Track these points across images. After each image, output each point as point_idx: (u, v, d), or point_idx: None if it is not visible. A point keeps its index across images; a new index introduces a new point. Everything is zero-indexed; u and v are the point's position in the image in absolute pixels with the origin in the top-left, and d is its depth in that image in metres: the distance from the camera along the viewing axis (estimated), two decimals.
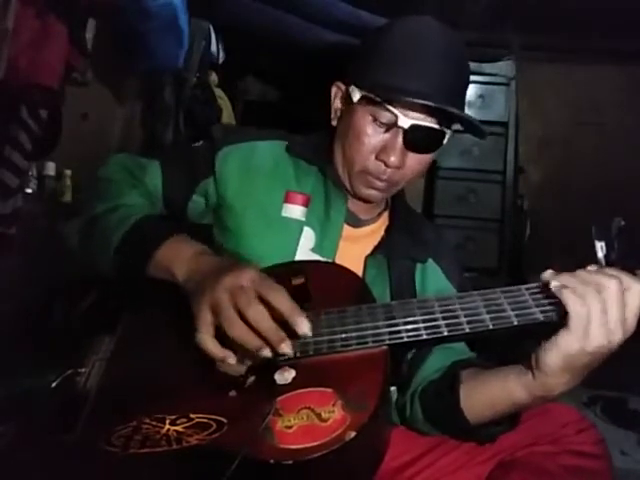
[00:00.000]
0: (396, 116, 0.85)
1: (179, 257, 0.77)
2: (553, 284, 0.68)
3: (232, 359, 0.68)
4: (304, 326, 0.66)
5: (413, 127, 0.85)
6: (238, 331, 0.66)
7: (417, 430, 0.91)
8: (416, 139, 0.87)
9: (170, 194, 0.96)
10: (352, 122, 0.90)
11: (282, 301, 0.67)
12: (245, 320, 0.66)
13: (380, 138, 0.88)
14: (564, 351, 0.66)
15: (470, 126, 0.90)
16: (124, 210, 0.86)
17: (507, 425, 0.80)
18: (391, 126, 0.87)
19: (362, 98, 0.88)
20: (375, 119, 0.87)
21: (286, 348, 0.66)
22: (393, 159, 0.87)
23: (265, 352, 0.66)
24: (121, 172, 0.95)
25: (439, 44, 0.87)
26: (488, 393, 0.78)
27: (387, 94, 0.85)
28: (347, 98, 0.92)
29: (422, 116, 0.86)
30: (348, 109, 0.92)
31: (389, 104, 0.85)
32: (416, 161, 0.91)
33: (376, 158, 0.89)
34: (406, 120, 0.85)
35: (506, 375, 0.76)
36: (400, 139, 0.87)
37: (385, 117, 0.86)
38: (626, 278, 0.67)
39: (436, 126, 0.87)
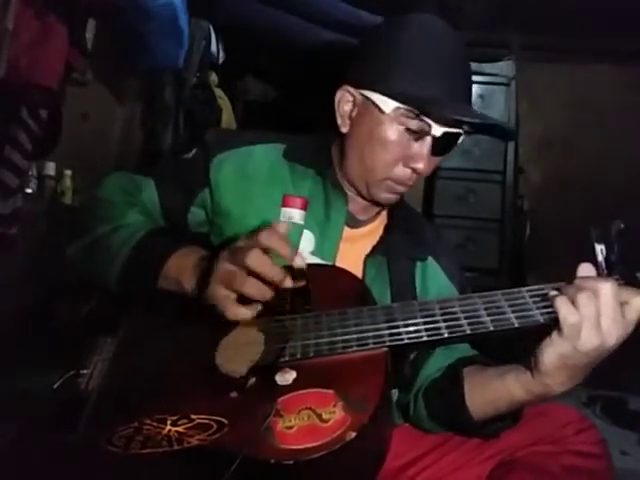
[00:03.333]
0: (429, 125, 0.85)
1: (186, 267, 0.80)
2: (550, 294, 0.69)
3: (259, 306, 0.74)
4: (298, 259, 0.74)
5: (444, 135, 0.86)
6: (252, 286, 0.71)
7: (421, 428, 0.92)
8: (442, 144, 0.87)
9: (168, 210, 0.97)
10: (379, 132, 0.87)
11: (274, 240, 0.71)
12: (250, 272, 0.71)
13: (408, 146, 0.88)
14: (559, 352, 0.67)
15: (498, 130, 0.91)
16: (126, 230, 0.88)
17: (510, 420, 0.81)
18: (422, 135, 0.86)
19: (395, 109, 0.85)
20: (406, 128, 0.86)
21: (288, 282, 0.72)
22: (421, 166, 0.87)
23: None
24: (119, 193, 0.96)
25: (455, 47, 0.87)
26: (489, 392, 0.79)
27: (428, 107, 0.84)
28: (367, 105, 0.89)
29: (452, 122, 0.86)
30: (371, 118, 0.89)
31: (425, 115, 0.84)
32: (433, 162, 0.91)
33: (404, 165, 0.89)
34: (439, 128, 0.85)
35: (505, 374, 0.77)
36: (429, 146, 0.87)
37: (417, 126, 0.85)
38: (625, 290, 0.67)
39: (461, 130, 0.88)
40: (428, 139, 0.86)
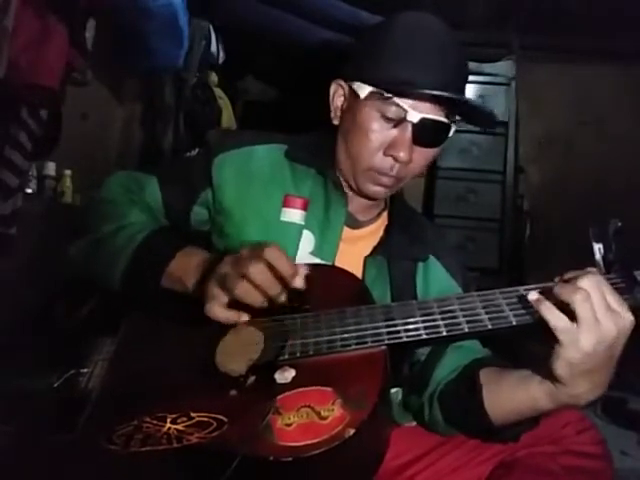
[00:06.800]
0: (405, 110, 0.84)
1: (189, 267, 0.80)
2: (530, 297, 0.68)
3: (245, 317, 0.75)
4: (298, 280, 0.73)
5: (422, 121, 0.85)
6: (242, 288, 0.72)
7: (437, 432, 0.90)
8: (424, 133, 0.87)
9: (171, 208, 0.97)
10: (358, 119, 0.89)
11: (279, 260, 0.72)
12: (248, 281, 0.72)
13: (388, 134, 0.88)
14: (567, 362, 0.66)
15: (478, 116, 0.91)
16: (129, 229, 0.88)
17: (530, 424, 0.79)
18: (400, 121, 0.86)
19: (370, 94, 0.87)
20: (382, 115, 0.87)
21: (283, 297, 0.74)
22: (402, 154, 0.86)
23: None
24: (121, 192, 0.96)
25: (440, 38, 0.87)
26: (512, 400, 0.76)
27: (398, 88, 0.84)
28: (351, 95, 0.92)
29: (430, 109, 0.86)
30: (353, 106, 0.91)
31: (398, 98, 0.84)
32: (422, 156, 0.90)
33: (384, 154, 0.89)
34: (415, 114, 0.84)
35: (528, 384, 0.74)
36: (409, 134, 0.86)
37: (393, 112, 0.86)
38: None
39: (444, 119, 0.87)
40: (408, 126, 0.86)
